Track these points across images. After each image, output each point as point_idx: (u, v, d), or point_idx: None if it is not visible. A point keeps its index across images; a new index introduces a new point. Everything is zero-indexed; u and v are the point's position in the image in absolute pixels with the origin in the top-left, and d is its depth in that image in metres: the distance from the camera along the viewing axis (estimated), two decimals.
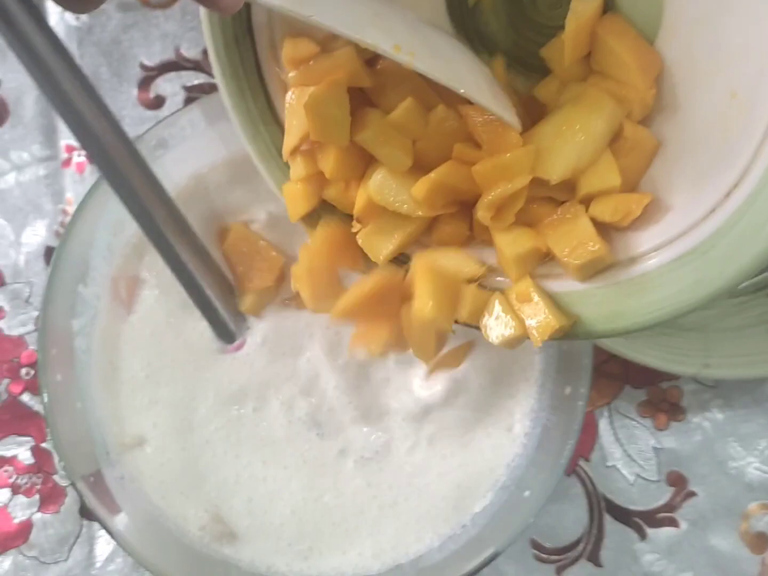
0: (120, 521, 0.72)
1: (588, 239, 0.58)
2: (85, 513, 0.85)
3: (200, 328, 0.78)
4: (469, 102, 0.59)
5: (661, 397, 0.86)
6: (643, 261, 0.59)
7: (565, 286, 0.62)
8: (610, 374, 0.88)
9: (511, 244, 0.60)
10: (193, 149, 0.78)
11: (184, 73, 0.90)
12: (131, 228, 0.77)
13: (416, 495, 0.76)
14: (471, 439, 0.78)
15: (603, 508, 0.85)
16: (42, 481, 0.85)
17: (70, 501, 0.85)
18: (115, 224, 0.78)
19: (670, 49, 0.59)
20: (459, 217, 0.63)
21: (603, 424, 0.87)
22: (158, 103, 0.89)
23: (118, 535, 0.71)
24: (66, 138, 0.89)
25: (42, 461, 0.85)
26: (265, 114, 0.65)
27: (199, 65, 0.89)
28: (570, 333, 0.61)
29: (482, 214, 0.58)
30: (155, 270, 0.78)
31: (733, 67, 0.54)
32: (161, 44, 0.90)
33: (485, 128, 0.59)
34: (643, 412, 0.87)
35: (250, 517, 0.76)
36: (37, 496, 0.85)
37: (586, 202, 0.60)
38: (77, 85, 0.61)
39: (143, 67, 0.89)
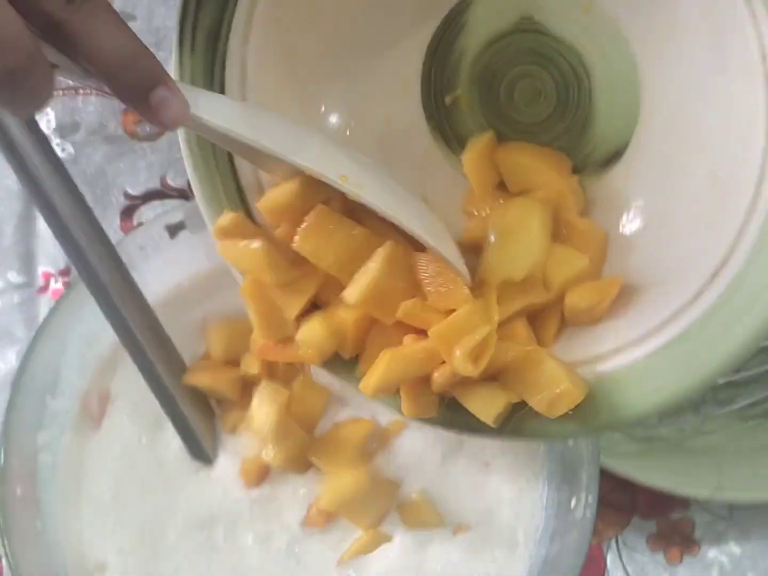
0: None
1: (557, 383, 0.56)
2: None
3: (173, 447, 0.73)
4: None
5: (672, 528, 0.80)
6: (631, 351, 0.56)
7: None
8: (617, 504, 0.82)
9: (486, 407, 0.58)
10: (174, 258, 0.75)
11: (168, 201, 0.89)
12: (107, 340, 0.74)
13: None
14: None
15: None
16: None
17: None
18: (90, 335, 0.74)
19: (649, 140, 0.59)
20: None
21: (611, 558, 0.80)
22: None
23: None
24: (44, 265, 0.88)
25: None
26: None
27: (185, 193, 0.88)
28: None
29: (465, 367, 0.55)
30: (129, 385, 0.74)
31: (713, 151, 0.54)
32: (147, 174, 0.89)
33: (435, 281, 0.57)
34: (654, 545, 0.80)
35: None
36: None
37: (561, 300, 0.59)
38: (62, 187, 0.62)
39: (127, 195, 0.89)
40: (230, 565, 0.71)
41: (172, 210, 0.75)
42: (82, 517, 0.71)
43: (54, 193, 0.62)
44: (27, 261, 0.88)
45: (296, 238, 0.57)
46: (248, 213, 0.63)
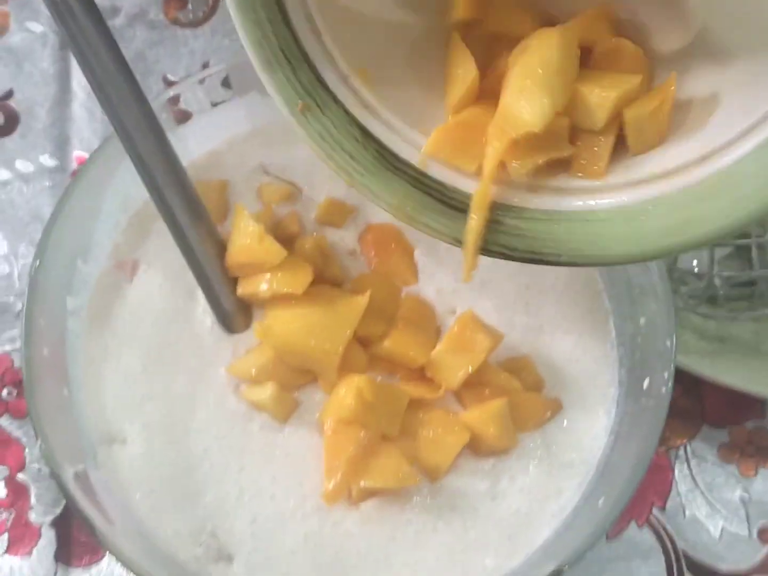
0: (108, 529, 0.58)
1: None
2: (61, 556, 0.71)
3: (209, 320, 0.67)
4: None
5: (746, 438, 0.73)
6: (716, 158, 0.50)
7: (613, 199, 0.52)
8: (684, 411, 0.75)
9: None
10: (215, 121, 0.70)
11: None
12: (141, 202, 0.69)
13: (461, 520, 0.62)
14: None
15: (684, 567, 0.70)
16: (14, 519, 0.72)
17: (44, 543, 0.72)
18: (125, 199, 0.69)
19: None
20: None
21: (679, 468, 0.74)
22: (184, 117, 0.82)
23: (107, 542, 0.57)
24: (78, 149, 0.83)
25: (16, 495, 0.73)
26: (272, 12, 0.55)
27: (227, 81, 0.83)
28: (628, 251, 0.50)
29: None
30: (162, 252, 0.69)
31: None
32: (188, 60, 0.85)
33: None
34: (726, 455, 0.74)
35: (253, 541, 0.62)
36: (6, 536, 0.72)
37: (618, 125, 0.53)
38: (101, 41, 0.57)
39: (166, 81, 0.84)
40: (267, 446, 0.64)
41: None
42: (110, 388, 0.66)
43: (93, 44, 0.57)
44: (61, 144, 0.84)
45: None
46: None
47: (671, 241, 0.49)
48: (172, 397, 0.65)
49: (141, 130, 0.60)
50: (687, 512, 0.72)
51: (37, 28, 0.88)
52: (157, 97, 0.66)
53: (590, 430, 0.65)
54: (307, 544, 0.62)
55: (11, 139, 0.84)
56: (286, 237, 0.68)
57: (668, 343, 0.61)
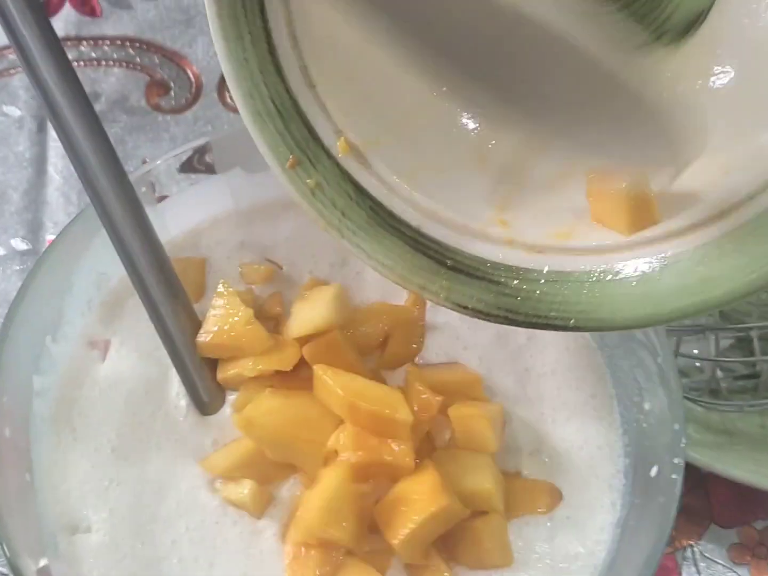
0: None
1: None
2: None
3: (184, 402, 0.62)
4: None
5: (757, 539, 0.69)
6: (734, 213, 0.47)
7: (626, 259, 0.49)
8: (691, 509, 0.71)
9: None
10: (195, 198, 0.67)
11: (194, 175, 0.80)
12: (115, 282, 0.66)
13: None
14: None
15: None
16: None
17: None
18: (98, 277, 0.65)
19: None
20: None
21: (687, 571, 0.68)
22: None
23: None
24: (51, 233, 0.80)
25: None
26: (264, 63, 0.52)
27: (211, 168, 0.81)
28: (642, 312, 0.47)
29: None
30: (136, 332, 0.65)
31: None
32: (168, 146, 0.83)
33: None
34: (736, 557, 0.68)
35: None
36: None
37: None
38: (76, 103, 0.55)
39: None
40: (242, 542, 0.58)
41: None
42: (74, 473, 0.61)
43: (67, 109, 0.55)
44: (34, 228, 0.81)
45: None
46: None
47: (688, 301, 0.46)
48: (142, 482, 0.60)
49: (118, 201, 0.57)
50: None
51: (14, 112, 0.85)
52: (133, 172, 0.63)
53: (595, 523, 0.60)
54: None
55: None
56: (268, 318, 0.65)
57: (677, 426, 0.58)
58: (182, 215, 0.68)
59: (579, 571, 0.59)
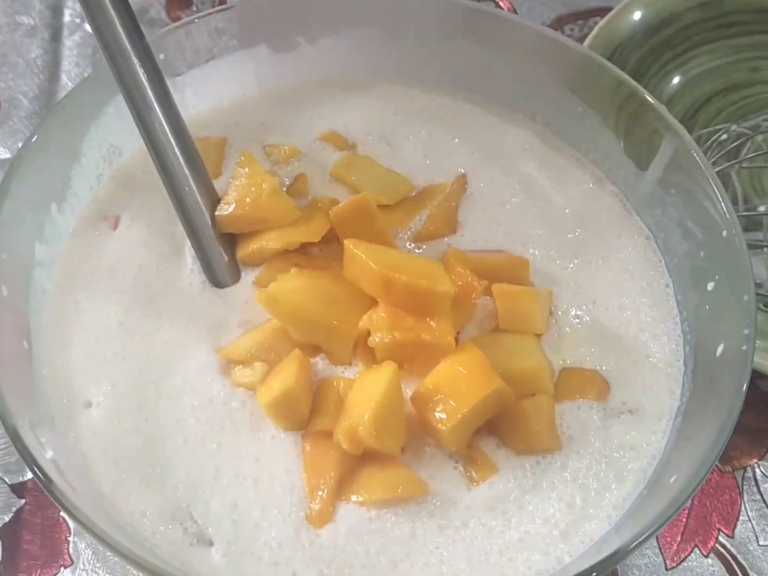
0: (70, 492, 0.46)
1: None
2: (7, 570, 0.58)
3: (198, 279, 0.57)
4: None
5: None
6: None
7: None
8: (752, 430, 0.65)
9: None
10: (217, 75, 0.63)
11: None
12: (129, 156, 0.62)
13: (500, 519, 0.51)
14: None
15: None
16: None
17: None
18: (109, 149, 0.61)
19: None
20: None
21: (748, 491, 0.62)
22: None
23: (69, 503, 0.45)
24: None
25: None
26: None
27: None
28: None
29: None
30: (148, 209, 0.60)
31: None
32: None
33: None
34: None
35: (235, 529, 0.51)
36: None
37: None
38: None
39: None
40: (252, 423, 0.53)
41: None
42: (76, 345, 0.55)
43: None
44: None
45: None
46: None
47: None
48: (148, 358, 0.55)
49: (137, 59, 0.53)
50: (761, 541, 0.60)
51: (27, 21, 0.82)
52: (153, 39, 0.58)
53: (653, 412, 0.55)
54: (299, 539, 0.50)
55: None
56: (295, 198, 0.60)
57: (746, 297, 0.52)
58: (202, 91, 0.64)
59: (635, 459, 0.53)
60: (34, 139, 0.55)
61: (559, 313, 0.58)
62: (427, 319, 0.52)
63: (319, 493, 0.51)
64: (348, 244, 0.53)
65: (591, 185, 0.64)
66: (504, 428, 0.53)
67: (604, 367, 0.56)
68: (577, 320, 0.58)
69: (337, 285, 0.54)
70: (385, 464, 0.51)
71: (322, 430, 0.52)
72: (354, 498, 0.51)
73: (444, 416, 0.50)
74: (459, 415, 0.49)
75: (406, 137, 0.65)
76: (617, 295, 0.59)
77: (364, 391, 0.51)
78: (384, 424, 0.49)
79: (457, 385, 0.50)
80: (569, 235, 0.61)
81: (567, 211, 0.62)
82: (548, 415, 0.53)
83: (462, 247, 0.60)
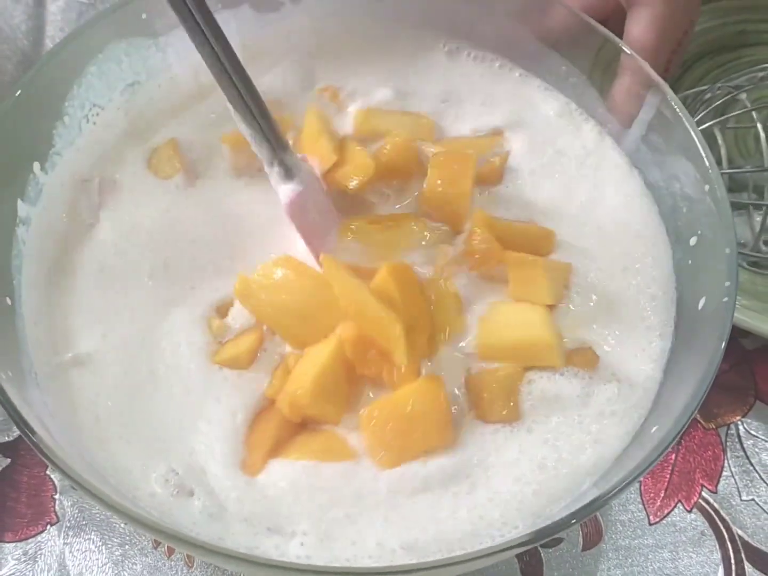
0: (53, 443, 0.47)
1: None
2: None
3: (198, 233, 0.58)
4: None
5: None
6: None
7: None
8: (735, 387, 0.65)
9: None
10: None
11: None
12: (116, 123, 0.62)
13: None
14: None
15: (743, 556, 0.58)
16: None
17: None
18: (93, 109, 0.61)
19: None
20: None
21: (731, 448, 0.62)
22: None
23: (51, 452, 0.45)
24: None
25: None
26: None
27: None
28: None
29: None
30: (136, 173, 0.61)
31: None
32: None
33: None
34: None
35: (232, 485, 0.50)
36: None
37: None
38: None
39: None
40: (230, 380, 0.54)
41: None
42: (57, 303, 0.56)
43: None
44: None
45: None
46: None
47: None
48: (132, 313, 0.55)
49: None
50: (743, 496, 0.61)
51: None
52: None
53: (641, 354, 0.55)
54: (292, 489, 0.50)
55: None
56: None
57: (728, 250, 0.52)
58: (185, 52, 0.63)
59: (617, 424, 0.53)
60: (17, 94, 0.55)
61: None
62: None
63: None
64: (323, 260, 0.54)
65: None
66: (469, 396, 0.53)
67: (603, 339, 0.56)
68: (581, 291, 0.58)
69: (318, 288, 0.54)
70: (320, 432, 0.52)
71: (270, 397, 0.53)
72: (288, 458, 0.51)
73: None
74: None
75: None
76: (623, 258, 0.59)
77: (309, 361, 0.52)
78: (323, 390, 0.51)
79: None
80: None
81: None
82: (505, 386, 0.53)
83: None
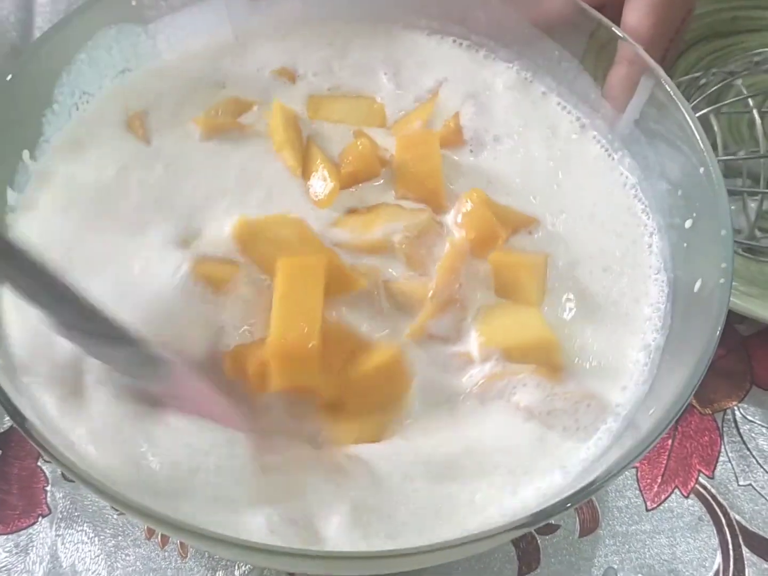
0: None
1: None
2: None
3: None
4: None
5: None
6: None
7: None
8: (732, 373, 0.65)
9: None
10: (190, 22, 0.62)
11: None
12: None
13: None
14: None
15: (741, 541, 0.58)
16: None
17: None
18: (82, 97, 0.60)
19: None
20: None
21: (728, 433, 0.62)
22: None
23: None
24: None
25: None
26: None
27: None
28: None
29: None
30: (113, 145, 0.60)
31: None
32: None
33: None
34: None
35: None
36: None
37: None
38: None
39: None
40: None
41: None
42: None
43: None
44: None
45: None
46: None
47: None
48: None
49: None
50: (741, 481, 0.60)
51: None
52: None
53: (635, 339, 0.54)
54: None
55: None
56: None
57: (723, 232, 0.51)
58: (175, 39, 0.63)
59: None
60: (6, 79, 0.54)
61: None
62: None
63: None
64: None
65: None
66: None
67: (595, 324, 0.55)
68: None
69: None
70: None
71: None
72: None
73: None
74: None
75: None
76: (602, 256, 0.58)
77: None
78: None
79: None
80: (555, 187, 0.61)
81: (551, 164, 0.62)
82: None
83: None
